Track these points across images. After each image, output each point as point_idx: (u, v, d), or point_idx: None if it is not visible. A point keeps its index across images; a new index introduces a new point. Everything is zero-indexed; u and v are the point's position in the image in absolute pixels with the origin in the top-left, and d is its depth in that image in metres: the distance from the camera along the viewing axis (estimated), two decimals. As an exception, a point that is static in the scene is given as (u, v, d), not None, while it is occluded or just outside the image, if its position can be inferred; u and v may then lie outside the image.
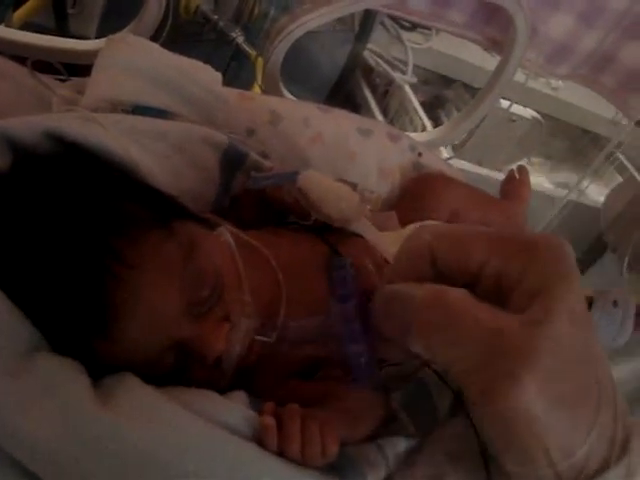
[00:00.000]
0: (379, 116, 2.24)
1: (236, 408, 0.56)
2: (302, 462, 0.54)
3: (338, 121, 1.02)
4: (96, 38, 1.14)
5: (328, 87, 2.19)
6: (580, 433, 0.43)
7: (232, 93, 0.94)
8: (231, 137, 0.87)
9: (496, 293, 0.46)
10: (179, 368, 0.60)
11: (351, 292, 0.52)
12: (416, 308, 0.45)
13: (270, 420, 0.54)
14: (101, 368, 0.56)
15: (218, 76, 0.91)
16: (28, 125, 0.65)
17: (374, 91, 2.40)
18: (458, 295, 0.45)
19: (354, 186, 0.87)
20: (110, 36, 0.90)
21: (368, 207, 0.87)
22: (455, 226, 0.51)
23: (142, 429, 0.50)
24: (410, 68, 2.32)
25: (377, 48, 2.32)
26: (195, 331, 0.59)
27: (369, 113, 2.35)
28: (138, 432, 0.50)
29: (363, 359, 0.51)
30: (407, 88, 2.27)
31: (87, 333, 0.56)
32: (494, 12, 1.27)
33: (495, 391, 0.42)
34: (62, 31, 1.48)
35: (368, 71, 2.36)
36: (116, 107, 0.82)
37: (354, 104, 2.40)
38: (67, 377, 0.53)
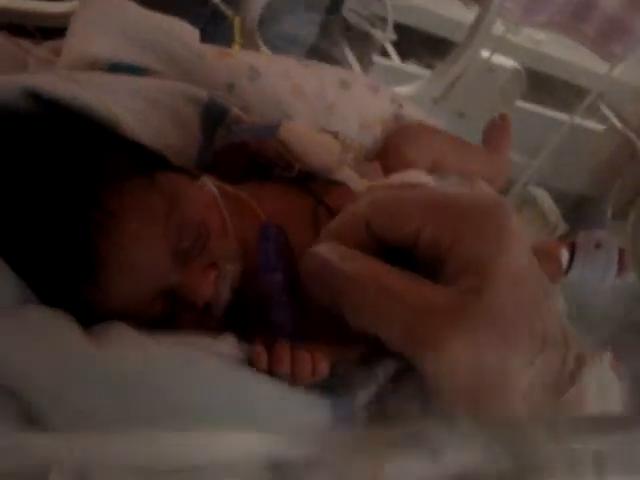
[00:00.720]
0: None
1: (227, 338, 0.58)
2: (293, 381, 0.56)
3: (318, 74, 1.02)
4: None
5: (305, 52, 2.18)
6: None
7: (210, 49, 0.94)
8: (211, 92, 0.87)
9: (433, 260, 0.47)
10: (168, 314, 0.62)
11: (274, 264, 0.54)
12: (344, 287, 0.46)
13: (259, 348, 0.55)
14: (90, 318, 0.57)
15: (195, 32, 0.91)
16: (6, 84, 0.65)
17: (354, 49, 2.39)
18: (386, 274, 0.46)
19: (335, 134, 0.88)
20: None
21: (350, 155, 0.88)
22: (395, 192, 0.51)
23: (137, 362, 0.52)
24: (390, 25, 2.30)
25: (356, 6, 2.30)
26: (182, 278, 0.60)
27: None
28: (131, 364, 0.52)
29: (287, 329, 0.55)
30: (388, 45, 2.27)
31: (75, 282, 0.57)
32: (471, -38, 1.27)
33: (422, 359, 0.44)
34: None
35: (348, 29, 2.34)
36: (93, 66, 0.82)
37: (335, 62, 2.39)
38: (58, 322, 0.54)
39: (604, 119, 2.34)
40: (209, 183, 0.68)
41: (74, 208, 0.56)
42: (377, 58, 2.37)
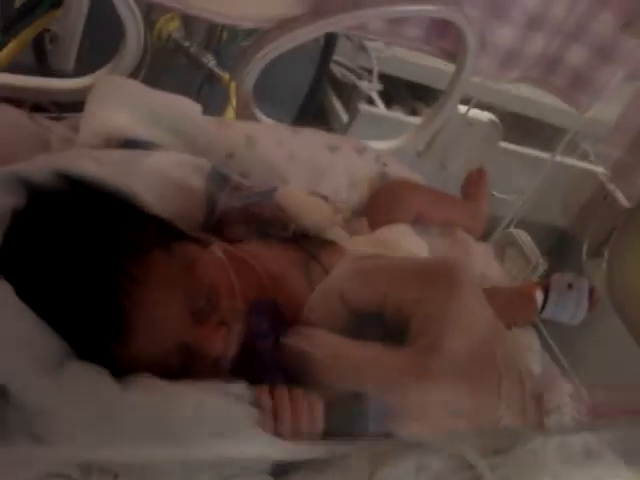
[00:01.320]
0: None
1: (238, 386, 0.65)
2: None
3: (308, 140, 1.12)
4: (75, 72, 1.22)
5: (299, 100, 2.28)
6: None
7: (211, 122, 1.03)
8: (213, 162, 0.97)
9: (400, 322, 0.56)
10: (184, 366, 0.70)
11: (265, 333, 0.67)
12: (315, 368, 0.57)
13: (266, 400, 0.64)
14: (119, 372, 0.66)
15: (198, 108, 1.01)
16: (38, 166, 0.75)
17: (342, 100, 2.49)
18: (351, 352, 0.56)
19: (326, 198, 0.97)
20: (99, 77, 0.99)
21: (340, 216, 0.97)
22: (362, 264, 0.60)
23: (160, 399, 0.62)
24: (375, 76, 2.41)
25: (342, 59, 2.40)
26: (197, 335, 0.69)
27: (339, 121, 2.45)
28: (153, 402, 0.61)
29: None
30: (375, 95, 2.37)
31: (106, 340, 0.66)
32: (446, 26, 1.37)
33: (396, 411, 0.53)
34: (43, 68, 1.56)
35: (335, 81, 2.44)
36: (109, 142, 0.91)
37: (324, 114, 2.49)
38: (95, 373, 0.63)
39: (585, 156, 2.44)
40: (218, 250, 0.77)
41: (105, 278, 0.65)
42: (363, 106, 2.46)
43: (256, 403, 0.64)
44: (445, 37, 1.41)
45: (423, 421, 0.54)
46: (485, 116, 1.56)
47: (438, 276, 0.57)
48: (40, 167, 0.75)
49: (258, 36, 1.23)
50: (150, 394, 0.62)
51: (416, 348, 0.55)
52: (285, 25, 1.15)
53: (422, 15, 1.31)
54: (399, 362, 0.55)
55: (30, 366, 0.62)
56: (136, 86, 0.98)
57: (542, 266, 1.54)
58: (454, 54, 1.43)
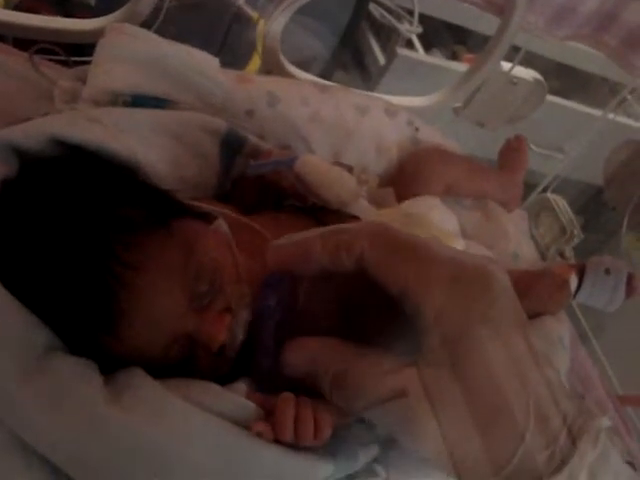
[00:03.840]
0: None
1: (234, 399, 0.60)
2: (296, 444, 0.58)
3: (335, 99, 1.04)
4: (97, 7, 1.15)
5: (334, 42, 2.18)
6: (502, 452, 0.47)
7: (230, 76, 0.95)
8: (230, 121, 0.89)
9: (413, 317, 0.49)
10: (185, 357, 0.64)
11: (270, 313, 0.58)
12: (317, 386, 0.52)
13: (261, 426, 0.58)
14: (112, 363, 0.60)
15: (215, 61, 0.93)
16: (32, 131, 0.67)
17: (380, 42, 2.39)
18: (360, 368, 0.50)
19: (350, 169, 0.90)
20: (111, 22, 0.91)
21: (364, 188, 0.90)
22: (399, 234, 0.52)
23: (149, 424, 0.55)
24: (416, 18, 2.29)
25: (382, -1, 2.28)
26: (198, 324, 0.62)
27: (376, 64, 2.35)
28: (145, 428, 0.55)
29: (264, 373, 0.58)
30: (414, 38, 2.26)
31: (96, 333, 0.60)
32: (493, -25, 1.27)
33: (407, 439, 0.48)
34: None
35: (375, 22, 2.34)
36: (117, 98, 0.84)
37: (361, 56, 2.40)
38: (80, 377, 0.57)
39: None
40: (223, 225, 0.70)
41: (94, 262, 0.58)
42: (401, 50, 2.36)
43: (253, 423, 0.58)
44: (492, -13, 1.31)
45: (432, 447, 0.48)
46: (530, 75, 1.45)
47: (473, 285, 0.49)
48: (36, 132, 0.68)
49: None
50: (136, 408, 0.56)
51: (433, 371, 0.48)
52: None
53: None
54: (410, 383, 0.48)
55: (10, 368, 0.56)
56: (148, 37, 0.89)
57: (577, 237, 1.46)
58: (500, 6, 1.33)
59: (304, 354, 0.54)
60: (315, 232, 0.53)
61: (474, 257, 0.51)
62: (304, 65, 1.35)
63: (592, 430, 0.47)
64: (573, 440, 0.47)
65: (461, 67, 2.37)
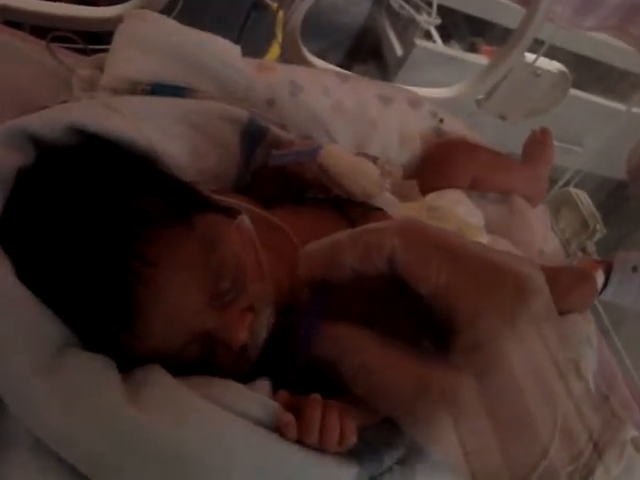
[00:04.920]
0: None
1: (257, 398, 0.57)
2: (320, 449, 0.56)
3: (358, 89, 1.01)
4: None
5: (352, 33, 2.16)
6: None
7: (251, 64, 0.93)
8: (251, 111, 0.87)
9: (445, 318, 0.48)
10: (205, 356, 0.62)
11: (312, 328, 0.55)
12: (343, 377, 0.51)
13: (288, 417, 0.55)
14: (129, 360, 0.58)
15: (237, 49, 0.91)
16: (49, 119, 0.65)
17: (398, 33, 2.37)
18: (385, 364, 0.49)
19: (375, 160, 0.87)
20: (129, 9, 0.89)
21: (388, 181, 0.88)
22: (429, 230, 0.50)
23: (169, 425, 0.53)
24: (435, 9, 2.27)
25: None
26: (219, 322, 0.60)
27: (393, 55, 2.32)
28: (166, 429, 0.52)
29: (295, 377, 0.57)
30: (433, 30, 2.23)
31: (113, 330, 0.57)
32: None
33: (426, 439, 0.47)
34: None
35: (393, 14, 2.31)
36: (135, 86, 0.82)
37: (379, 47, 2.37)
38: (98, 375, 0.55)
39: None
40: (246, 220, 0.68)
41: (112, 257, 0.56)
42: (420, 41, 2.33)
43: (280, 413, 0.56)
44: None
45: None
46: (554, 66, 1.42)
47: (507, 287, 0.47)
48: (53, 120, 0.66)
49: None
50: (155, 407, 0.54)
51: (462, 371, 0.46)
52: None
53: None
54: (440, 381, 0.47)
55: (26, 365, 0.54)
56: (168, 24, 0.87)
57: (600, 232, 1.43)
58: (526, -3, 1.30)
59: (333, 340, 0.53)
60: (343, 234, 0.52)
61: (510, 257, 0.49)
62: (322, 56, 1.33)
63: (617, 443, 0.46)
64: (599, 454, 0.46)
65: (480, 59, 2.35)
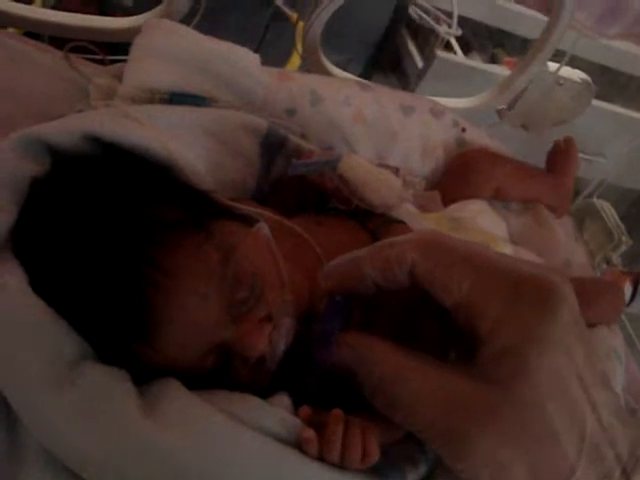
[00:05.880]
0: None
1: (276, 413, 0.56)
2: (341, 466, 0.54)
3: (379, 99, 1.00)
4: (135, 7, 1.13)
5: (372, 44, 2.15)
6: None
7: (271, 73, 0.92)
8: (270, 120, 0.85)
9: (467, 329, 0.47)
10: (222, 368, 0.60)
11: (330, 340, 0.54)
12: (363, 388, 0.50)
13: (309, 433, 0.54)
14: (145, 373, 0.57)
15: (256, 58, 0.90)
16: (65, 128, 0.64)
17: (418, 44, 2.35)
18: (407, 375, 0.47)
19: (396, 171, 0.86)
20: (148, 19, 0.88)
21: (410, 192, 0.86)
22: (451, 241, 0.49)
23: (186, 440, 0.51)
24: (455, 20, 2.25)
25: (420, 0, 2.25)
26: (236, 333, 0.58)
27: (413, 67, 2.31)
28: (183, 443, 0.51)
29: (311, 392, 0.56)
30: (453, 41, 2.22)
31: (128, 340, 0.56)
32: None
33: (452, 454, 0.45)
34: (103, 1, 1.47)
35: (413, 25, 2.30)
36: (154, 96, 0.81)
37: (399, 59, 2.36)
38: (113, 389, 0.54)
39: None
40: (265, 228, 0.66)
41: (129, 266, 0.55)
42: (440, 52, 2.32)
43: (301, 428, 0.55)
44: (540, -16, 1.27)
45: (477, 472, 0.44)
46: (577, 75, 1.40)
47: (533, 295, 0.46)
48: (69, 128, 0.65)
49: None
50: (172, 422, 0.52)
51: (487, 384, 0.45)
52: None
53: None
54: (466, 393, 0.45)
55: (39, 378, 0.53)
56: (187, 33, 0.86)
57: (625, 244, 1.41)
58: (549, 5, 1.28)
59: (352, 350, 0.51)
60: (364, 250, 0.51)
61: (535, 267, 0.47)
62: (341, 68, 1.32)
63: None
64: (627, 476, 0.45)
65: (501, 70, 2.33)
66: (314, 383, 0.56)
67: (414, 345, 0.50)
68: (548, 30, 1.28)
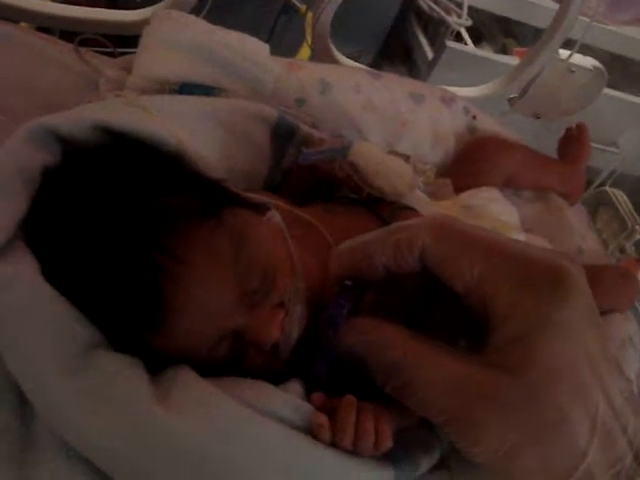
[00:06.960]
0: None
1: (289, 400, 0.55)
2: (354, 452, 0.54)
3: (389, 87, 1.00)
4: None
5: (382, 35, 2.14)
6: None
7: (281, 63, 0.92)
8: (280, 110, 0.85)
9: (478, 314, 0.47)
10: (235, 356, 0.60)
11: (338, 324, 0.54)
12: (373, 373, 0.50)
13: (321, 419, 0.54)
14: (157, 360, 0.57)
15: (265, 47, 0.89)
16: (75, 118, 0.64)
17: (428, 35, 2.35)
18: (426, 356, 0.48)
19: (407, 158, 0.86)
20: (156, 11, 0.88)
21: (421, 179, 0.86)
22: (462, 227, 0.49)
23: (199, 427, 0.51)
24: (465, 10, 2.24)
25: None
26: (249, 320, 0.58)
27: (423, 58, 2.30)
28: (196, 430, 0.51)
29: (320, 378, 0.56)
30: (463, 31, 2.21)
31: (141, 328, 0.56)
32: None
33: (464, 440, 0.45)
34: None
35: (423, 16, 2.29)
36: (163, 86, 0.81)
37: (408, 50, 2.35)
38: (126, 376, 0.54)
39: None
40: (277, 216, 0.66)
41: (140, 255, 0.55)
42: (450, 43, 2.31)
43: (313, 414, 0.54)
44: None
45: (489, 453, 0.45)
46: (589, 62, 1.39)
47: (545, 280, 0.45)
48: (79, 118, 0.65)
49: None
50: (185, 409, 0.52)
51: (498, 368, 0.45)
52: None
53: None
54: (476, 376, 0.45)
55: (51, 366, 0.53)
56: (195, 23, 0.86)
57: (638, 233, 1.40)
58: (559, -10, 1.28)
59: (361, 335, 0.51)
60: (374, 233, 0.52)
61: (547, 252, 0.47)
62: (352, 58, 1.32)
63: None
64: (639, 462, 0.44)
65: (512, 60, 2.31)
66: (324, 369, 0.56)
67: (424, 331, 0.50)
68: (559, 17, 1.28)
